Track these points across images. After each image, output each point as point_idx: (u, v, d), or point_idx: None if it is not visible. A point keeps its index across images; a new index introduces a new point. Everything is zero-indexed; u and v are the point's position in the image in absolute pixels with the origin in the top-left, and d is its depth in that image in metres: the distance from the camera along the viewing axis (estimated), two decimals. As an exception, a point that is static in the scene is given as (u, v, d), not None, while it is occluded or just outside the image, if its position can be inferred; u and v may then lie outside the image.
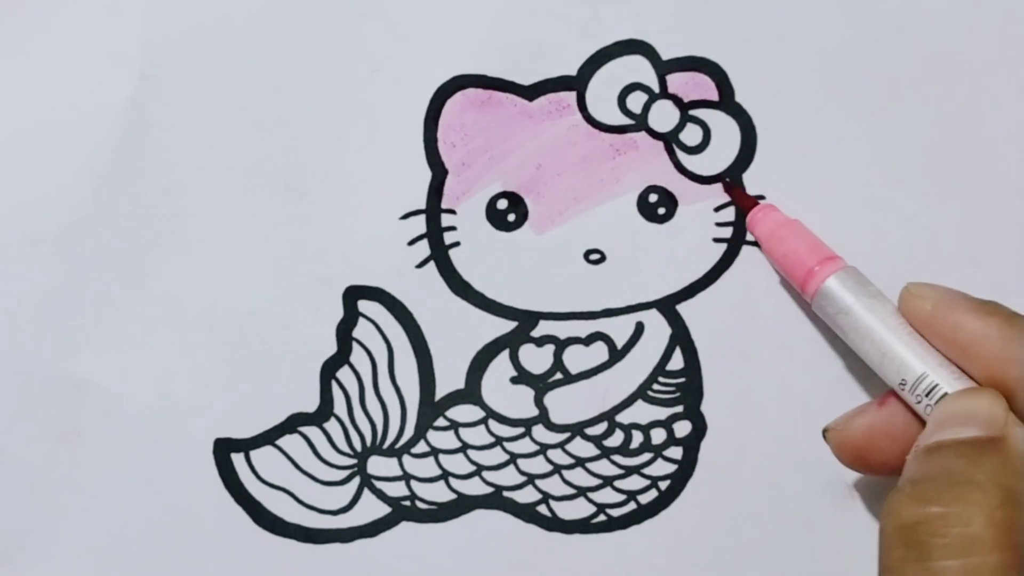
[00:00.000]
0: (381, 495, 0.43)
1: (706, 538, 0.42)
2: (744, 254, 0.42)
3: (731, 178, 0.42)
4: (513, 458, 0.43)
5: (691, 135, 0.43)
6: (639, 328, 0.43)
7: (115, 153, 0.43)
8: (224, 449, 0.43)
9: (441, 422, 0.43)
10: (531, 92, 0.43)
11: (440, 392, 0.43)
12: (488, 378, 0.43)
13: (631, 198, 0.43)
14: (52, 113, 0.43)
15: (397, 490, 0.43)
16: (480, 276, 0.43)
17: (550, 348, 0.43)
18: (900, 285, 0.42)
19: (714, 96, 0.42)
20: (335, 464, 0.43)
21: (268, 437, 0.43)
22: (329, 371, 0.43)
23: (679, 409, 0.43)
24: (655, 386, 0.43)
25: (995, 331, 0.36)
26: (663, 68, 0.42)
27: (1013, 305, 0.38)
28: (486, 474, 0.43)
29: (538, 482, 0.43)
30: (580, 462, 0.43)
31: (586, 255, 0.43)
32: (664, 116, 0.43)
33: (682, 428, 0.43)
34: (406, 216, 0.43)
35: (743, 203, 0.42)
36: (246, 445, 0.43)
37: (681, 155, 0.43)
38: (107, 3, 0.43)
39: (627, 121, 0.43)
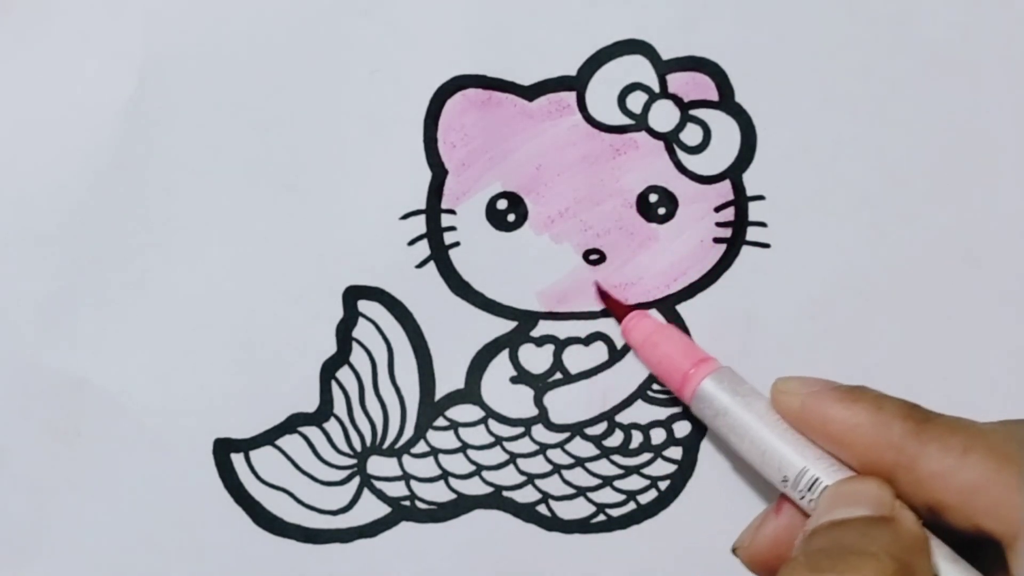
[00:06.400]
0: (381, 495, 0.43)
1: (706, 538, 0.42)
2: (744, 254, 0.42)
3: (735, 191, 0.42)
4: (513, 458, 0.43)
5: (691, 135, 0.43)
6: (639, 328, 0.43)
7: (115, 153, 0.43)
8: (224, 449, 0.43)
9: (441, 422, 0.43)
10: (531, 92, 0.43)
11: (440, 392, 0.43)
12: (488, 378, 0.43)
13: (631, 198, 0.43)
14: (53, 113, 0.43)
15: (397, 490, 0.43)
16: (480, 276, 0.43)
17: (550, 348, 0.43)
18: (900, 289, 0.42)
19: (714, 96, 0.42)
20: (335, 464, 0.43)
21: (268, 437, 0.43)
22: (329, 371, 0.43)
23: (679, 409, 0.43)
24: (655, 386, 0.43)
25: (864, 418, 0.36)
26: (663, 68, 0.42)
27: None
28: (486, 474, 0.43)
29: (538, 482, 0.43)
30: (580, 462, 0.43)
31: (586, 255, 0.43)
32: (664, 116, 0.43)
33: (682, 428, 0.43)
34: (406, 216, 0.43)
35: (616, 311, 0.42)
36: (246, 445, 0.43)
37: (681, 155, 0.43)
38: (107, 3, 0.43)
39: (627, 121, 0.43)
